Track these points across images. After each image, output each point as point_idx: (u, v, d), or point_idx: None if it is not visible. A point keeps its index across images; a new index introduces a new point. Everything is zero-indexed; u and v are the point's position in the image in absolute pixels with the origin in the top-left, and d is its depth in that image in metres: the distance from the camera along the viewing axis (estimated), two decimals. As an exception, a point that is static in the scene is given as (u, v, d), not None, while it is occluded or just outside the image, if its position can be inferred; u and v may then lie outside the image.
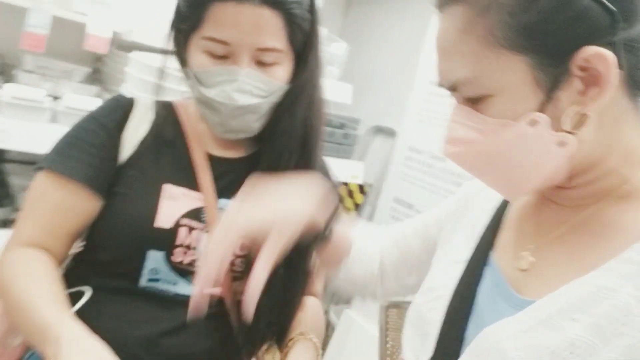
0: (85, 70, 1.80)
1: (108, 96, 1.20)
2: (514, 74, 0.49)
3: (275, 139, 0.87)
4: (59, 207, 0.82)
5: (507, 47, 0.49)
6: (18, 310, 0.73)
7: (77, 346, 0.63)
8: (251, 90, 0.81)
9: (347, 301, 2.84)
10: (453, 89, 0.54)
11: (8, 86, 1.55)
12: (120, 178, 0.85)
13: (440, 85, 0.57)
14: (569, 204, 0.58)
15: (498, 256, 0.62)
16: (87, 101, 1.62)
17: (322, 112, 0.91)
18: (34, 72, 1.67)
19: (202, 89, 0.82)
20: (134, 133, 0.87)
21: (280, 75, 0.83)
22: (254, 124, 0.86)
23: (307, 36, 0.85)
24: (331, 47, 2.18)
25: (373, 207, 2.70)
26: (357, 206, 2.98)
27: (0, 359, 0.85)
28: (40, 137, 1.57)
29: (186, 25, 0.82)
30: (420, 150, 2.13)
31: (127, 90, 1.72)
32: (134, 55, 1.72)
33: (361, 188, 2.97)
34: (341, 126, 2.20)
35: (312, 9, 0.84)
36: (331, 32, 2.30)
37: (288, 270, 0.88)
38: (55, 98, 1.65)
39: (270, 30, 0.78)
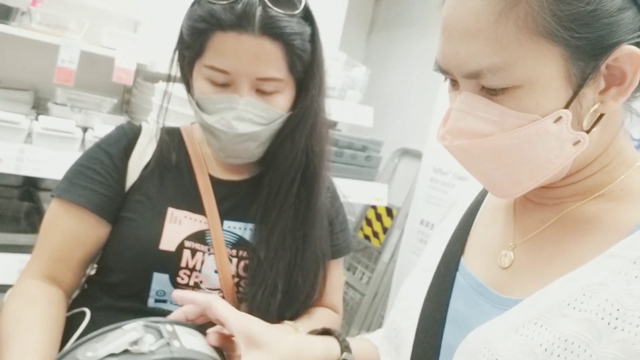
0: (113, 101, 1.88)
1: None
2: (547, 66, 0.47)
3: (277, 164, 0.88)
4: (68, 234, 0.85)
5: (546, 36, 0.46)
6: None
7: None
8: (251, 118, 0.82)
9: (380, 326, 2.80)
10: (474, 76, 0.49)
11: (41, 118, 1.64)
12: (127, 203, 0.87)
13: (445, 72, 0.53)
14: (548, 203, 0.57)
15: (470, 260, 0.61)
16: (114, 130, 1.69)
17: (324, 138, 0.92)
18: (65, 105, 1.75)
19: (204, 115, 0.84)
20: (140, 160, 0.90)
21: (280, 104, 0.84)
22: (256, 150, 0.87)
23: (307, 65, 0.86)
24: (352, 72, 2.21)
25: (401, 230, 2.68)
26: (385, 230, 2.95)
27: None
28: (70, 165, 1.66)
29: (189, 52, 0.84)
30: (445, 171, 2.10)
31: (154, 119, 1.79)
32: (160, 85, 1.79)
33: (389, 211, 2.95)
34: (363, 149, 2.21)
35: (313, 39, 0.86)
36: (353, 56, 2.33)
37: (288, 287, 0.88)
38: (85, 129, 1.73)
39: (270, 60, 0.80)
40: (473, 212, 0.66)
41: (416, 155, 2.86)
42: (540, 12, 0.46)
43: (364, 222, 3.11)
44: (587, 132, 0.49)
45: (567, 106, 0.47)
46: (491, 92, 0.49)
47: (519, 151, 0.49)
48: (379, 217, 3.02)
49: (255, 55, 0.79)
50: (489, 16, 0.47)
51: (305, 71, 0.87)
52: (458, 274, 0.60)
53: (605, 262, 0.47)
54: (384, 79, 3.14)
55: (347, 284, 2.99)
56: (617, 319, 0.44)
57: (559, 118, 0.48)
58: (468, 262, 0.61)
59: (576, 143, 0.49)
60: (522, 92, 0.48)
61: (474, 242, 0.63)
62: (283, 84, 0.83)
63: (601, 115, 0.49)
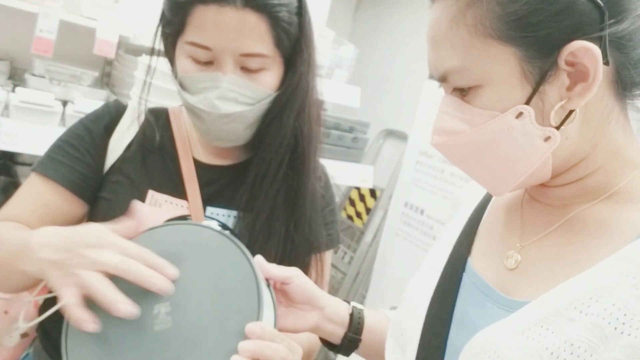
0: (94, 74, 1.82)
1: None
2: (502, 65, 0.49)
3: (264, 147, 0.84)
4: (40, 204, 0.81)
5: (496, 38, 0.49)
6: None
7: (45, 231, 0.66)
8: (236, 98, 0.78)
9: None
10: (443, 79, 0.54)
11: (18, 90, 1.57)
12: (106, 184, 0.84)
13: (431, 76, 0.57)
14: (555, 204, 0.57)
15: (477, 261, 0.61)
16: (96, 105, 1.64)
17: (315, 119, 0.88)
18: (43, 77, 1.69)
19: (187, 96, 0.80)
20: (121, 139, 0.86)
21: (267, 82, 0.80)
22: (243, 133, 0.83)
23: (295, 40, 0.82)
24: (340, 50, 2.17)
25: (385, 211, 2.69)
26: (369, 211, 2.96)
27: (-5, 360, 0.85)
28: (50, 140, 1.60)
29: (170, 29, 0.80)
30: (430, 154, 2.10)
31: (135, 94, 1.73)
32: (143, 59, 1.74)
33: (373, 192, 2.95)
34: (350, 130, 2.19)
35: (300, 12, 0.81)
36: (340, 34, 2.29)
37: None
38: (65, 102, 1.68)
39: (254, 34, 0.76)
40: (480, 212, 0.66)
41: (401, 136, 2.86)
42: (486, 16, 0.49)
43: (347, 203, 3.11)
44: (557, 128, 0.50)
45: (527, 102, 0.49)
46: (462, 93, 0.53)
47: (491, 147, 0.52)
48: (362, 198, 3.03)
49: (238, 29, 0.75)
50: (443, 24, 0.52)
51: (293, 47, 0.82)
52: (464, 275, 0.60)
53: (613, 266, 0.47)
54: (370, 58, 3.11)
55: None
56: (624, 323, 0.44)
57: (520, 114, 0.50)
58: (475, 262, 0.61)
59: (547, 139, 0.50)
60: (483, 91, 0.51)
61: (480, 243, 0.63)
62: (269, 60, 0.79)
63: (571, 112, 0.50)
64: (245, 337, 0.56)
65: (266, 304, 0.61)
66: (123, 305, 0.56)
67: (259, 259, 0.65)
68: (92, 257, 0.58)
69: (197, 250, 0.63)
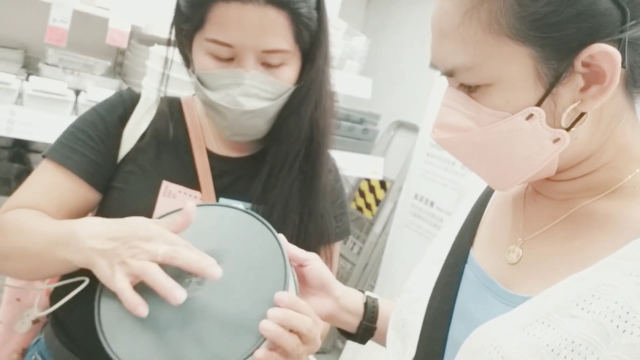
0: (107, 63, 1.83)
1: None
2: (515, 65, 0.48)
3: (281, 139, 0.85)
4: (52, 192, 0.81)
5: (511, 37, 0.47)
6: (28, 240, 0.72)
7: (90, 222, 0.68)
8: (258, 94, 0.79)
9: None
10: (450, 74, 0.52)
11: (32, 79, 1.59)
12: (119, 173, 0.85)
13: (433, 66, 0.55)
14: (559, 198, 0.56)
15: (479, 253, 0.61)
16: (108, 94, 1.65)
17: (330, 111, 0.88)
18: (57, 66, 1.71)
19: (207, 92, 0.80)
20: (135, 129, 0.86)
21: (287, 76, 0.81)
22: (263, 127, 0.84)
23: (314, 35, 0.82)
24: (352, 41, 2.16)
25: (394, 203, 2.68)
26: (378, 202, 2.96)
27: (8, 344, 0.87)
28: (63, 129, 1.62)
29: (188, 25, 0.80)
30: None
31: (147, 83, 1.74)
32: (155, 48, 1.74)
33: (383, 184, 2.95)
34: (361, 121, 2.18)
35: (319, 6, 0.82)
36: (352, 25, 2.28)
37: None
38: (78, 91, 1.69)
39: (276, 30, 0.76)
40: (483, 204, 0.66)
41: (412, 128, 2.85)
42: (502, 14, 0.47)
43: (357, 194, 3.11)
44: (568, 129, 0.49)
45: (539, 104, 0.48)
46: (469, 89, 0.51)
47: (497, 147, 0.51)
48: (372, 189, 3.03)
49: (260, 26, 0.75)
50: (454, 17, 0.49)
51: (312, 40, 0.83)
52: (467, 267, 0.60)
53: (616, 263, 0.47)
54: (382, 49, 3.09)
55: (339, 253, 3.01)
56: (626, 322, 0.43)
57: (531, 115, 0.48)
58: (477, 254, 0.60)
59: (556, 141, 0.49)
60: (493, 90, 0.49)
61: (483, 235, 0.63)
62: (289, 55, 0.80)
63: (582, 113, 0.49)
64: (274, 305, 0.60)
65: (291, 279, 0.65)
66: (176, 292, 0.59)
67: (281, 238, 0.68)
68: (143, 247, 0.61)
69: (226, 227, 0.68)
